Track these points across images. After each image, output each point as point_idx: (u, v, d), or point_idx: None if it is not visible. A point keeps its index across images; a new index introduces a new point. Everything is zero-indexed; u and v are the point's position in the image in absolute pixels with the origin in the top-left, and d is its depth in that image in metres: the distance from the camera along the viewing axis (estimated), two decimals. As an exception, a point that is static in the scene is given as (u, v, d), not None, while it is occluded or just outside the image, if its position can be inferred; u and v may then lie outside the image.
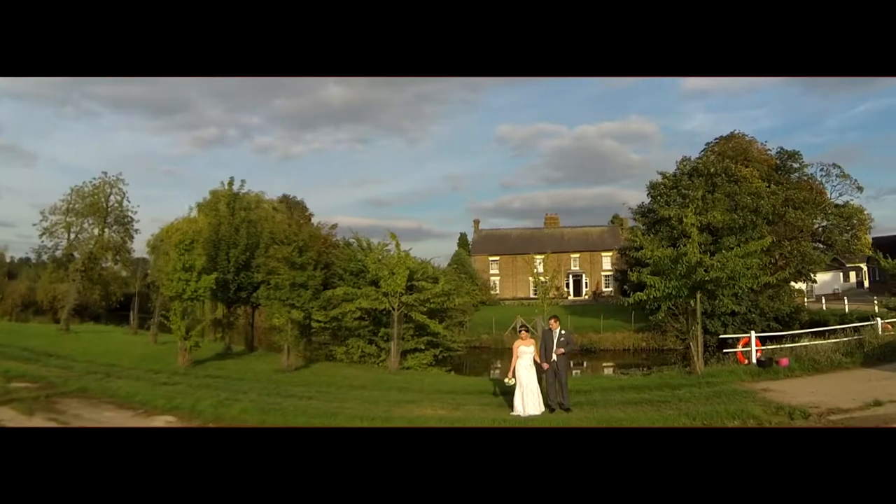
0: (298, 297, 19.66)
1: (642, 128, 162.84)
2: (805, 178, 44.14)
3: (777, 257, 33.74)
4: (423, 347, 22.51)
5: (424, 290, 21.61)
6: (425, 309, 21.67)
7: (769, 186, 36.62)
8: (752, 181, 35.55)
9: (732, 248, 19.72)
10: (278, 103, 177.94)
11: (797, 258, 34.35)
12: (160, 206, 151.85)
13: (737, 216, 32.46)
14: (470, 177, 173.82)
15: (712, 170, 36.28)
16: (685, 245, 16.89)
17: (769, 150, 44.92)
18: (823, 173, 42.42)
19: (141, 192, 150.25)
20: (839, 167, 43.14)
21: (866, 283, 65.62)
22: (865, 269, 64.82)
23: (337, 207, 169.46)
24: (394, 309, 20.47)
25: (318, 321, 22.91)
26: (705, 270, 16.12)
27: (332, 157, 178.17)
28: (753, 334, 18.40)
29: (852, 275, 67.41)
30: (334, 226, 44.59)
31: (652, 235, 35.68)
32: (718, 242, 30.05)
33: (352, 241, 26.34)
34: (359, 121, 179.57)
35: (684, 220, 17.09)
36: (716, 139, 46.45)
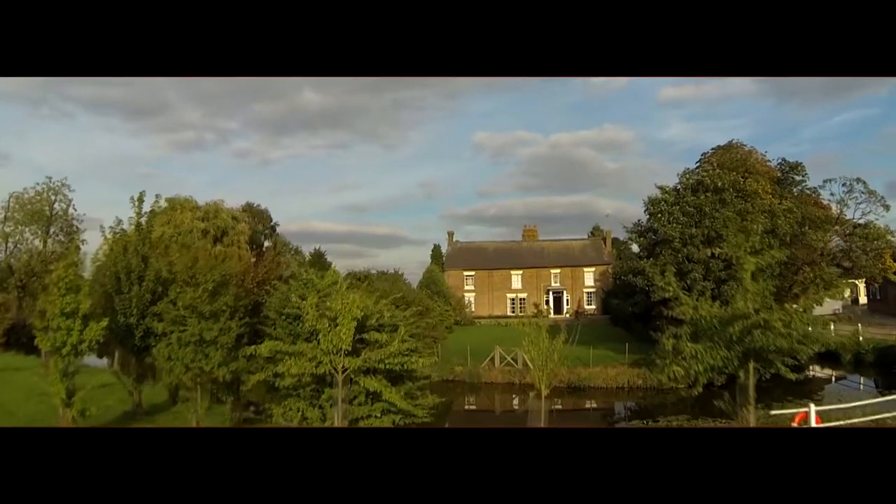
0: (206, 360, 14.55)
1: (618, 136, 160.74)
2: (808, 191, 39.92)
3: (793, 284, 29.39)
4: (378, 414, 17.37)
5: (377, 346, 16.17)
6: (384, 367, 16.36)
7: (780, 203, 32.20)
8: (764, 197, 31.14)
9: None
10: (255, 108, 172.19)
11: (819, 286, 29.68)
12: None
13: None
14: (446, 184, 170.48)
15: (720, 183, 31.51)
16: (725, 285, 12.47)
17: (769, 160, 40.86)
18: (846, 189, 37.59)
19: (117, 195, 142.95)
20: (863, 182, 38.07)
21: (861, 300, 62.21)
22: (862, 286, 61.20)
23: (315, 213, 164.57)
24: (337, 371, 15.38)
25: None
26: (761, 332, 11.52)
27: (310, 163, 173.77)
28: (813, 408, 13.84)
29: (847, 292, 63.85)
30: (261, 250, 39.27)
31: (653, 260, 31.34)
32: (731, 268, 25.64)
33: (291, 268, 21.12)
34: (336, 126, 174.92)
35: (744, 265, 12.34)
36: (712, 149, 42.33)
